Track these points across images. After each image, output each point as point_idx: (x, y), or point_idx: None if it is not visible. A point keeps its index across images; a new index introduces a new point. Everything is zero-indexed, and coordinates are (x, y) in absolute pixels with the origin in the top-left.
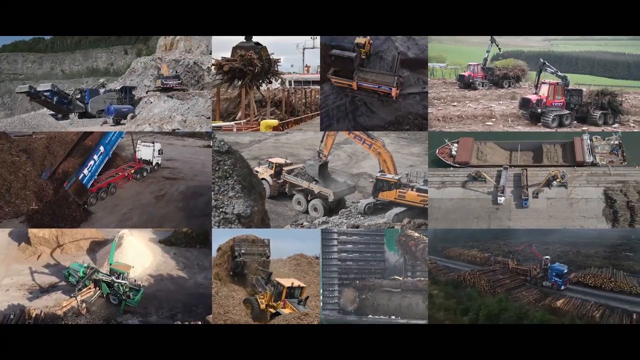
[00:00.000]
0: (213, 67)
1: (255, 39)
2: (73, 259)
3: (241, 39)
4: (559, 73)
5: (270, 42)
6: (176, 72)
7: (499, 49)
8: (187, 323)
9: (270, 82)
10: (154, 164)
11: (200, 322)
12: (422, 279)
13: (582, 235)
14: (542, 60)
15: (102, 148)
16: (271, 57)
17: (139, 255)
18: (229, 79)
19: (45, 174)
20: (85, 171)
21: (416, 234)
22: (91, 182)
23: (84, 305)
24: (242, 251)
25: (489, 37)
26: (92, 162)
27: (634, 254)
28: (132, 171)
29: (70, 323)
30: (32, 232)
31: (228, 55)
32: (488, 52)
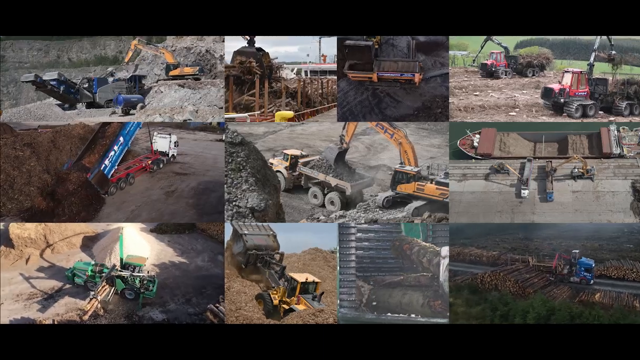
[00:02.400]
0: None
1: (262, 38)
2: (67, 257)
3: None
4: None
5: None
6: (196, 61)
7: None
8: (209, 312)
9: (272, 88)
10: (169, 155)
11: (214, 305)
12: (425, 274)
13: (579, 229)
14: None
15: (121, 139)
16: (273, 62)
17: (139, 246)
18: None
19: (67, 165)
20: (107, 162)
21: (409, 237)
22: (111, 173)
23: (99, 305)
24: (246, 232)
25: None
26: (112, 153)
27: (634, 246)
28: (149, 162)
29: (90, 323)
30: (15, 233)
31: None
32: (500, 43)
